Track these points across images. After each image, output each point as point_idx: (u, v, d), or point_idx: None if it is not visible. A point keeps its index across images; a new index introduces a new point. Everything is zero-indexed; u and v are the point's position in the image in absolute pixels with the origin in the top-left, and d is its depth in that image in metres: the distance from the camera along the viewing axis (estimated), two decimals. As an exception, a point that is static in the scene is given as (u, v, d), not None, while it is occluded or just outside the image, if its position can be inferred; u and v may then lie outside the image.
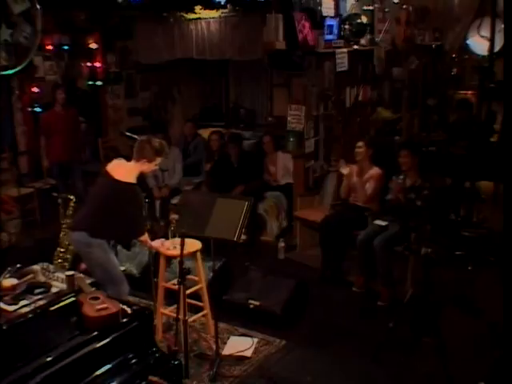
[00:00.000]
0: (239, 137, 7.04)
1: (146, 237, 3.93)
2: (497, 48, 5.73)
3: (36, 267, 3.14)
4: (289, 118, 5.98)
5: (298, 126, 5.95)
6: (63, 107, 6.55)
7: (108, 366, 2.56)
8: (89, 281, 3.03)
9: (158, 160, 3.87)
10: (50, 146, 6.59)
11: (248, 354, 4.06)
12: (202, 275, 4.18)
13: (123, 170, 3.78)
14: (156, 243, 4.04)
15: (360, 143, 5.33)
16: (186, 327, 3.78)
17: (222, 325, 4.17)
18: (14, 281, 2.90)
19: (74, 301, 2.73)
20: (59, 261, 4.82)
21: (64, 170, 6.63)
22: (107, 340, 2.58)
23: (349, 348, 4.16)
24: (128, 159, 3.92)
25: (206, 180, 6.66)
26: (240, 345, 4.15)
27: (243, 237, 4.76)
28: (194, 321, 4.25)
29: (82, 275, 3.07)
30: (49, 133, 6.57)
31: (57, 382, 2.38)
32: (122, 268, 4.83)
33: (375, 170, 5.26)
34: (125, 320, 2.69)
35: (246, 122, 8.00)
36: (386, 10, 6.52)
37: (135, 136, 5.01)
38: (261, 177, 6.56)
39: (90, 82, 7.61)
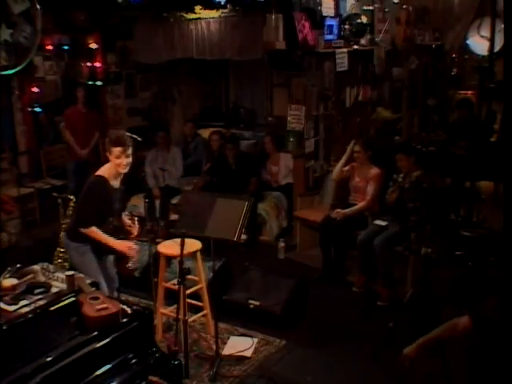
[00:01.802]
0: (236, 138, 7.04)
1: (89, 230, 3.63)
2: (497, 48, 5.74)
3: (36, 267, 3.13)
4: (289, 118, 5.99)
5: (298, 126, 5.95)
6: (85, 106, 6.62)
7: (108, 366, 2.56)
8: (89, 281, 3.03)
9: (117, 151, 3.63)
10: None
11: (248, 354, 4.06)
12: (201, 275, 4.18)
13: (101, 168, 3.79)
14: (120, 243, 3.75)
15: (356, 147, 5.32)
16: (186, 327, 3.78)
17: (221, 325, 4.18)
18: (13, 281, 2.89)
19: (73, 301, 2.73)
20: (59, 261, 4.82)
21: (80, 168, 6.65)
22: (107, 340, 2.58)
23: (349, 348, 4.16)
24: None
25: (201, 180, 6.65)
26: (240, 345, 4.15)
27: (243, 237, 4.77)
28: (193, 321, 4.25)
29: (81, 275, 3.07)
30: (70, 129, 6.65)
31: (57, 382, 2.38)
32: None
33: (375, 170, 5.26)
34: (125, 320, 2.69)
35: (245, 122, 8.00)
36: (386, 9, 6.52)
37: (135, 136, 5.00)
38: (258, 177, 6.55)
39: (90, 82, 7.61)
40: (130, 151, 3.71)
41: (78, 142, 6.67)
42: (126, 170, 3.74)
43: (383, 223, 4.99)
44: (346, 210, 5.25)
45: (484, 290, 2.81)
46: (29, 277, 2.98)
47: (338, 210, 5.27)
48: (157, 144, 6.79)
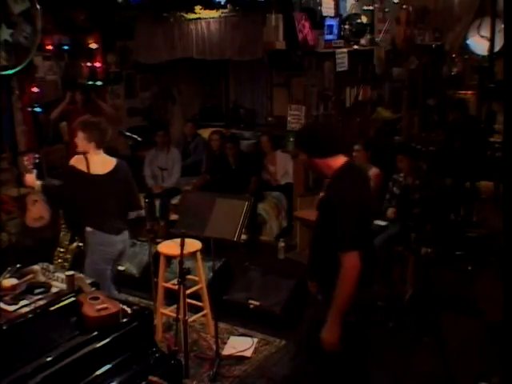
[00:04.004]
0: (237, 138, 7.04)
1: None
2: (497, 48, 5.74)
3: (36, 267, 3.13)
4: (289, 118, 5.99)
5: (298, 126, 5.95)
6: (83, 107, 6.62)
7: (108, 366, 2.56)
8: (89, 281, 3.03)
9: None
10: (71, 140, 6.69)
11: (248, 354, 4.06)
12: (201, 275, 4.19)
13: None
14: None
15: (357, 146, 5.33)
16: (186, 327, 3.78)
17: (221, 325, 4.18)
18: (14, 281, 2.89)
19: (73, 301, 2.73)
20: (59, 261, 4.80)
21: None
22: (107, 340, 2.58)
23: (349, 348, 4.15)
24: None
25: (201, 180, 6.65)
26: (240, 345, 4.15)
27: (243, 237, 4.76)
28: (193, 321, 4.25)
29: (81, 275, 3.07)
30: (68, 128, 6.66)
31: (57, 382, 2.38)
32: (122, 268, 4.84)
33: (374, 170, 5.27)
34: (125, 320, 2.69)
35: (246, 121, 8.00)
36: (386, 9, 6.52)
37: (135, 136, 5.00)
38: (258, 177, 6.55)
39: (90, 82, 7.61)
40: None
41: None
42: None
43: (383, 223, 4.99)
44: None
45: None
46: (29, 277, 2.98)
47: None
48: (156, 144, 6.79)
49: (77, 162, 3.82)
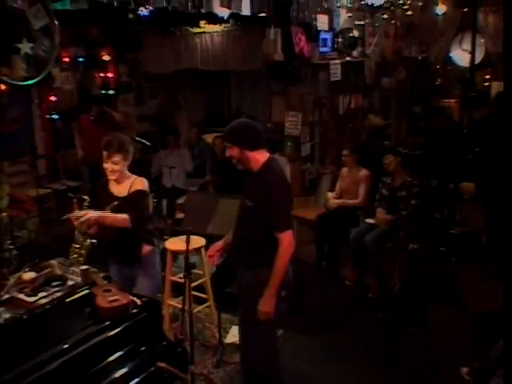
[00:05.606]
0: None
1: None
2: (477, 60, 5.73)
3: (53, 262, 3.13)
4: (286, 124, 6.00)
5: (295, 132, 5.97)
6: (98, 118, 6.61)
7: (119, 353, 2.56)
8: (102, 275, 3.04)
9: (103, 154, 3.33)
10: (84, 147, 6.64)
11: (248, 342, 4.05)
12: (206, 269, 4.19)
13: None
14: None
15: (345, 151, 5.34)
16: (192, 317, 3.78)
17: (224, 315, 4.18)
18: (33, 274, 2.90)
19: (88, 293, 2.73)
20: (74, 256, 4.79)
21: (94, 172, 6.64)
22: (118, 329, 2.58)
23: (342, 337, 4.16)
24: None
25: (212, 180, 6.65)
26: (241, 334, 4.15)
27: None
28: (198, 311, 4.26)
29: (95, 269, 3.07)
30: (83, 135, 6.65)
31: (73, 367, 2.38)
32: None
33: (364, 172, 5.28)
34: (135, 311, 2.70)
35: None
36: (376, 24, 6.55)
37: (144, 141, 5.02)
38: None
39: (103, 91, 7.63)
40: (117, 158, 3.27)
41: (91, 149, 6.62)
42: (112, 177, 3.37)
43: (374, 221, 5.00)
44: (341, 201, 5.31)
45: None
46: (47, 270, 2.98)
47: (334, 200, 5.34)
48: (168, 146, 6.83)
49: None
